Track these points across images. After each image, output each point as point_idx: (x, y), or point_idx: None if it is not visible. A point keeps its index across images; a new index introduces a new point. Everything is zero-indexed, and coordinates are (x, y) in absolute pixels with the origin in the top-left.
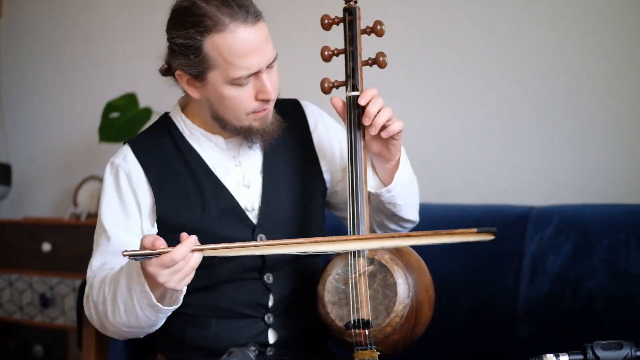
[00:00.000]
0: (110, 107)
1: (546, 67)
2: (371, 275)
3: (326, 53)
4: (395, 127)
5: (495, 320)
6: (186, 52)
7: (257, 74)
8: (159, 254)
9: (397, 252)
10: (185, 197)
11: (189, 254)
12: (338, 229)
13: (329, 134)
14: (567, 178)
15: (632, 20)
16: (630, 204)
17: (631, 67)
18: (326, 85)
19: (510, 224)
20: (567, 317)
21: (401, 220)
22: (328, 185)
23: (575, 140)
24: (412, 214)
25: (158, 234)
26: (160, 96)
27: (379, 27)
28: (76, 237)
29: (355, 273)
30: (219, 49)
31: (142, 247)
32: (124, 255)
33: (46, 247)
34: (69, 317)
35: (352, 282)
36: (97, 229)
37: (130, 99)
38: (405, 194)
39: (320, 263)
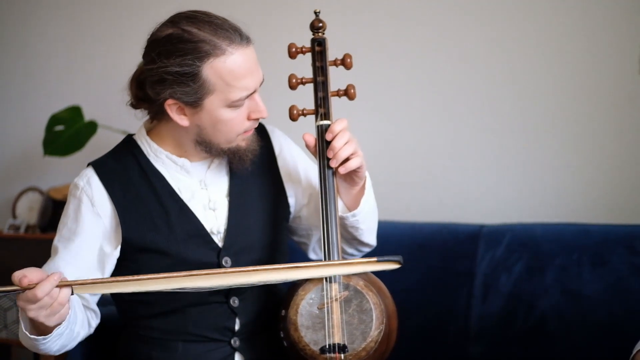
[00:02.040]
0: (54, 119)
1: (497, 91)
2: (346, 301)
3: (294, 81)
4: (353, 163)
5: (447, 340)
6: (182, 80)
7: (251, 94)
8: (23, 290)
9: (368, 278)
10: (151, 220)
11: (54, 290)
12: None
13: (293, 158)
14: (518, 196)
15: (590, 44)
16: (581, 223)
17: (582, 90)
18: (295, 112)
19: (461, 243)
20: (520, 337)
21: (360, 244)
22: (292, 209)
23: (525, 159)
24: (371, 238)
25: (126, 255)
26: (104, 109)
27: (348, 60)
28: (18, 250)
29: (330, 298)
30: (219, 72)
31: (16, 283)
32: None
33: None
34: (12, 331)
35: (327, 307)
36: (52, 246)
37: (74, 112)
38: (369, 219)
39: (283, 287)
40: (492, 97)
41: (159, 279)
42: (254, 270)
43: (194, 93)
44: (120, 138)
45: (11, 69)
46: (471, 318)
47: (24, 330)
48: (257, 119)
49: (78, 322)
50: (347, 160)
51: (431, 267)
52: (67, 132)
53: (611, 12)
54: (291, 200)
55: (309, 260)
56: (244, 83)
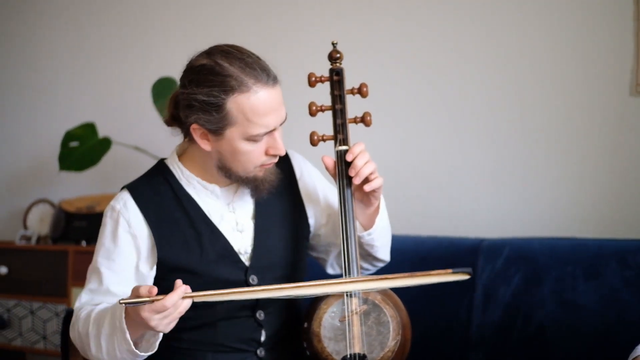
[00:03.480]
0: (69, 136)
1: (496, 114)
2: (366, 314)
3: (314, 108)
4: (376, 183)
5: (449, 347)
6: (207, 109)
7: (271, 131)
8: (152, 301)
9: (384, 292)
10: (184, 241)
11: (179, 301)
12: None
13: (313, 181)
14: (516, 212)
15: (584, 67)
16: (576, 237)
17: (577, 111)
18: (315, 138)
19: (462, 255)
20: (518, 345)
21: (375, 260)
22: (312, 229)
23: (523, 177)
24: (385, 254)
25: (159, 274)
26: (118, 126)
27: (364, 88)
28: (32, 262)
29: (350, 311)
30: (242, 108)
31: (137, 295)
32: (120, 304)
33: (2, 270)
34: (27, 339)
35: (348, 320)
36: (91, 267)
37: (89, 129)
38: (383, 236)
39: (304, 301)
40: (491, 120)
41: (269, 290)
42: (321, 284)
43: (216, 122)
44: (133, 154)
45: (24, 84)
46: (472, 327)
47: (132, 349)
48: (275, 155)
49: None
50: (367, 180)
51: None
52: (81, 148)
53: (603, 37)
54: (311, 221)
55: (327, 275)
56: (265, 121)
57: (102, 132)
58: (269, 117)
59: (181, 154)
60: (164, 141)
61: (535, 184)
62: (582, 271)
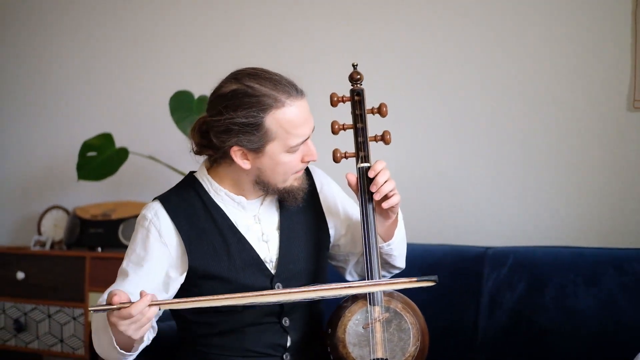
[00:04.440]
0: (86, 146)
1: (501, 122)
2: (387, 321)
3: (336, 127)
4: (394, 199)
5: (457, 350)
6: (247, 130)
7: (305, 140)
8: (119, 308)
9: (405, 301)
10: (213, 250)
11: (146, 308)
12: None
13: (333, 194)
14: (520, 222)
15: (584, 83)
16: (576, 246)
17: (577, 126)
18: (338, 155)
19: (468, 263)
20: (522, 348)
21: (392, 268)
22: (332, 239)
23: (526, 189)
24: (402, 262)
25: (190, 281)
26: (133, 136)
27: (384, 108)
28: (49, 267)
29: (373, 319)
30: (280, 122)
31: (107, 301)
32: (89, 310)
33: (20, 275)
34: (43, 342)
35: (371, 327)
36: (120, 269)
37: (106, 139)
38: (400, 247)
39: (326, 308)
40: (496, 135)
41: (228, 298)
42: (318, 289)
43: (257, 141)
44: (149, 163)
45: (41, 94)
46: (478, 331)
47: (114, 345)
48: (309, 161)
49: None
50: (386, 197)
51: (441, 285)
52: (99, 158)
53: (602, 53)
54: (332, 232)
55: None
56: (301, 131)
57: (117, 143)
58: (304, 127)
59: (209, 167)
60: (177, 151)
61: (538, 196)
62: (582, 278)
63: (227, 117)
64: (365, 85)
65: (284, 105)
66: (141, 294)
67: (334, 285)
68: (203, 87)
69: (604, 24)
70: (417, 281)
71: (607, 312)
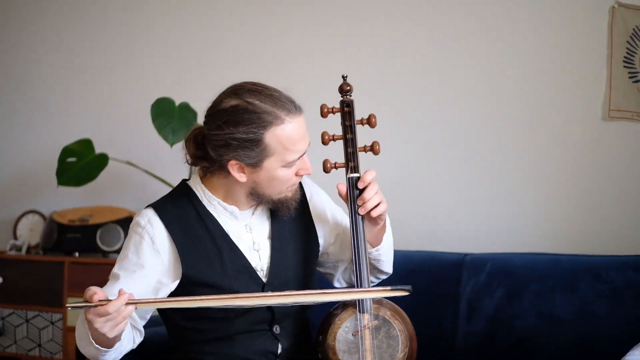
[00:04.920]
0: (66, 151)
1: (480, 131)
2: (376, 328)
3: (326, 138)
4: (380, 208)
5: (436, 355)
6: (246, 145)
7: (302, 155)
8: (95, 305)
9: (393, 308)
10: (207, 258)
11: (122, 307)
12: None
13: (322, 203)
14: (498, 229)
15: (560, 93)
16: (553, 253)
17: (553, 134)
18: (328, 165)
19: (447, 269)
20: (501, 354)
21: (379, 273)
22: (321, 247)
23: (504, 197)
24: (389, 267)
25: (184, 289)
26: (113, 142)
27: (373, 119)
28: (28, 272)
29: (362, 326)
30: (279, 139)
31: (84, 299)
32: (66, 307)
33: None
34: (21, 346)
35: (360, 334)
36: (112, 273)
37: (85, 145)
38: (388, 252)
39: (314, 316)
40: (475, 144)
41: (207, 300)
42: (297, 294)
43: (256, 156)
44: (127, 169)
45: (18, 99)
46: (457, 337)
47: (90, 340)
48: (303, 175)
49: (127, 338)
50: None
51: (421, 291)
52: (79, 164)
53: (578, 64)
54: (321, 240)
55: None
56: (299, 147)
57: (97, 149)
58: (301, 142)
59: (203, 176)
60: (155, 157)
61: (515, 203)
62: (559, 285)
63: (227, 132)
64: (354, 97)
65: (283, 122)
66: (119, 293)
67: (308, 292)
68: (184, 94)
69: (581, 36)
70: (391, 290)
71: (585, 318)
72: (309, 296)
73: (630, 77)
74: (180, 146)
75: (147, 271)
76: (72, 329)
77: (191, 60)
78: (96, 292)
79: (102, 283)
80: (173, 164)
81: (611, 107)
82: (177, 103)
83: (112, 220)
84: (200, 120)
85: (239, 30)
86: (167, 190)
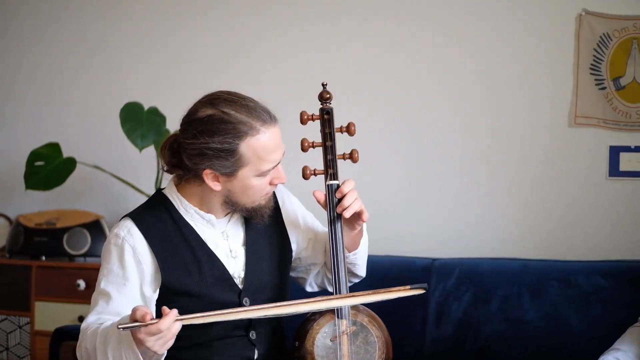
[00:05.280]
0: (34, 155)
1: (448, 138)
2: (354, 334)
3: (306, 145)
4: (365, 216)
5: (405, 359)
6: (221, 155)
7: (276, 165)
8: (147, 325)
9: (370, 315)
10: (185, 266)
11: (172, 323)
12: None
13: (294, 209)
14: (466, 234)
15: (527, 100)
16: (521, 258)
17: (521, 141)
18: (307, 172)
19: (415, 274)
20: (470, 358)
21: (354, 276)
22: (294, 252)
23: (472, 201)
24: (364, 271)
25: (163, 297)
26: (80, 146)
27: (352, 127)
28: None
29: (341, 332)
30: (254, 149)
31: (133, 318)
32: (119, 328)
33: None
34: (13, 352)
35: (338, 339)
36: (98, 292)
37: (53, 148)
38: (364, 256)
39: (289, 322)
40: (443, 150)
41: (240, 312)
42: (301, 303)
43: (230, 166)
44: (93, 172)
45: None
46: (426, 341)
47: (140, 357)
48: (277, 184)
49: None
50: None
51: None
52: (47, 168)
53: (545, 71)
54: (293, 246)
55: (307, 293)
56: (273, 157)
57: (65, 153)
58: (276, 152)
59: (178, 184)
60: (122, 160)
61: (482, 209)
62: (527, 290)
63: (202, 141)
64: (333, 104)
65: (258, 133)
66: (164, 311)
67: (313, 300)
68: (152, 98)
69: (548, 43)
70: (410, 289)
71: (553, 323)
72: (314, 304)
73: (596, 85)
74: (147, 151)
75: (133, 283)
76: (40, 333)
77: (160, 65)
78: (147, 312)
79: (69, 287)
80: (140, 168)
81: (577, 113)
82: (145, 107)
83: (79, 224)
84: (169, 125)
85: (213, 35)
86: (134, 194)
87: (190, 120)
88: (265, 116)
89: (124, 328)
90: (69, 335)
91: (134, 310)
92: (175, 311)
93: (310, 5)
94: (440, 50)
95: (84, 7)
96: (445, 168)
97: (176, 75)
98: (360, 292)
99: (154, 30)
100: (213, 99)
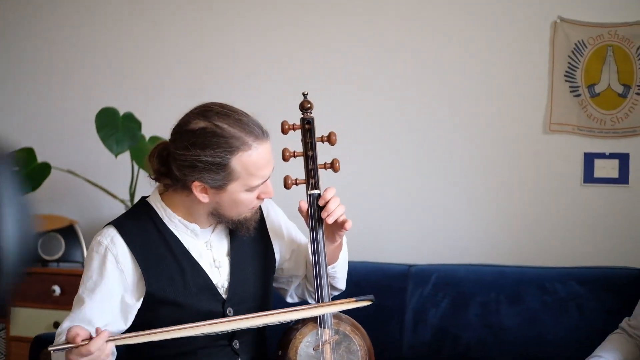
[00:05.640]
0: None
1: (424, 144)
2: (337, 343)
3: (287, 154)
4: (348, 225)
5: None
6: (212, 169)
7: (265, 180)
8: (77, 346)
9: (353, 324)
10: (170, 276)
11: (103, 344)
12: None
13: (278, 220)
14: (442, 240)
15: (501, 107)
16: (498, 264)
17: (496, 148)
18: (289, 182)
19: (392, 281)
20: None
21: (334, 289)
22: (277, 263)
23: (448, 207)
24: (343, 284)
25: (146, 306)
26: (54, 151)
27: (333, 137)
28: None
29: (323, 341)
30: (245, 164)
31: (66, 339)
32: (48, 350)
33: None
34: None
35: (321, 349)
36: (77, 297)
37: (28, 153)
38: (344, 269)
39: (271, 331)
40: (419, 156)
41: (185, 329)
42: (259, 316)
43: (220, 179)
44: (67, 177)
45: None
46: (403, 347)
47: None
48: (264, 198)
49: None
50: (336, 221)
51: None
52: (21, 173)
53: (521, 78)
54: (277, 256)
55: (287, 304)
56: (263, 172)
57: (39, 158)
58: (266, 168)
59: (162, 193)
60: (96, 165)
61: (458, 215)
62: (504, 296)
63: (193, 153)
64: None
65: (250, 148)
66: (97, 331)
67: (277, 311)
68: (127, 104)
69: (523, 50)
70: (355, 301)
71: (530, 329)
72: (276, 316)
73: (571, 91)
74: (122, 156)
75: (112, 291)
76: (16, 339)
77: (135, 70)
78: (78, 333)
79: (44, 292)
80: (115, 173)
81: (552, 120)
82: (121, 113)
83: (53, 229)
84: (144, 130)
85: (191, 43)
86: (109, 199)
87: (182, 131)
88: (258, 131)
89: (54, 350)
90: (47, 342)
91: (68, 331)
92: (106, 332)
93: (291, 15)
94: (416, 58)
95: (58, 12)
96: (420, 175)
97: (152, 81)
98: (302, 307)
99: (130, 36)
100: (206, 111)
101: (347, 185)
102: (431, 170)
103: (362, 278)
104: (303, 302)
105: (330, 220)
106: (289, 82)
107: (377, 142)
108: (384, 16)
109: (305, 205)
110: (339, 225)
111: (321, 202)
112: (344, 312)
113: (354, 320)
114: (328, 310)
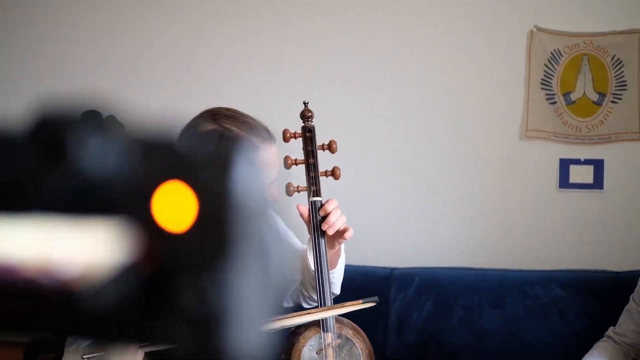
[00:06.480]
0: None
1: (407, 150)
2: (339, 347)
3: (289, 162)
4: (348, 234)
5: None
6: None
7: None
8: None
9: (355, 328)
10: None
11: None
12: None
13: (276, 225)
14: (424, 243)
15: (479, 114)
16: (480, 268)
17: (475, 153)
18: (291, 189)
19: (374, 284)
20: None
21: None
22: None
23: (430, 211)
24: (339, 289)
25: None
26: None
27: (334, 145)
28: None
29: (326, 345)
30: None
31: None
32: (83, 358)
33: None
34: None
35: (324, 352)
36: None
37: None
38: (341, 275)
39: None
40: (401, 160)
41: None
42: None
43: None
44: None
45: None
46: (387, 351)
47: None
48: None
49: None
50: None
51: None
52: None
53: (497, 85)
54: None
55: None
56: (269, 175)
57: None
58: (272, 171)
59: None
60: None
61: (442, 219)
62: (487, 300)
63: None
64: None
65: (257, 150)
66: None
67: (288, 315)
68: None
69: (500, 58)
70: (362, 303)
71: (513, 332)
72: (288, 320)
73: (547, 99)
74: None
75: None
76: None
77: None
78: None
79: None
80: None
81: (528, 127)
82: (104, 116)
83: None
84: None
85: (190, 50)
86: None
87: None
88: (265, 134)
89: (88, 358)
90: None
91: None
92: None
93: (293, 24)
94: (390, 67)
95: (38, 14)
96: (402, 180)
97: (146, 84)
98: (311, 310)
99: (114, 40)
100: (214, 114)
101: (326, 187)
102: (412, 176)
103: (345, 281)
104: (298, 306)
105: (330, 232)
106: (290, 91)
107: (357, 148)
108: (381, 26)
109: (304, 210)
110: (339, 234)
111: (322, 213)
112: (343, 315)
113: (354, 324)
114: (337, 312)
